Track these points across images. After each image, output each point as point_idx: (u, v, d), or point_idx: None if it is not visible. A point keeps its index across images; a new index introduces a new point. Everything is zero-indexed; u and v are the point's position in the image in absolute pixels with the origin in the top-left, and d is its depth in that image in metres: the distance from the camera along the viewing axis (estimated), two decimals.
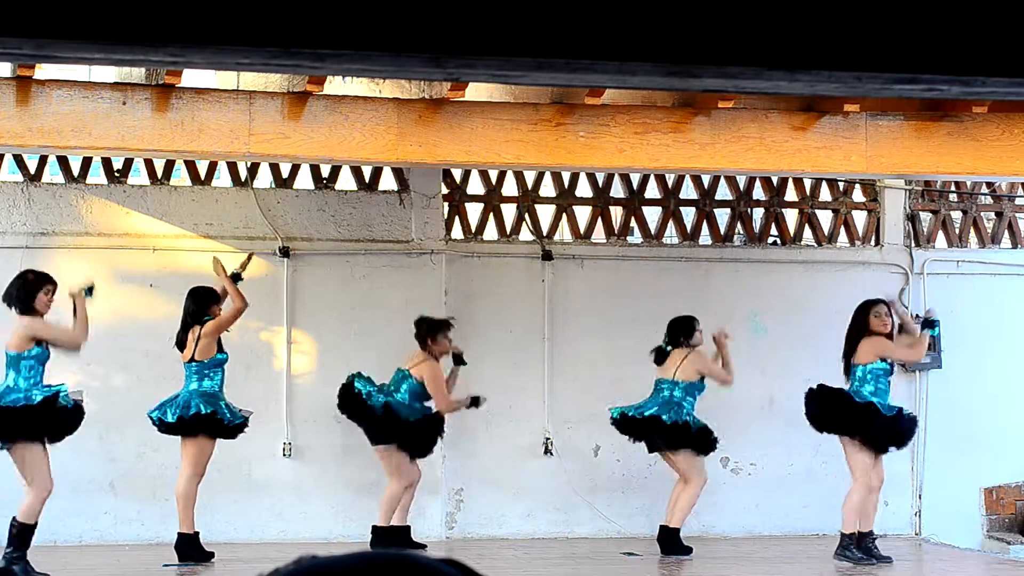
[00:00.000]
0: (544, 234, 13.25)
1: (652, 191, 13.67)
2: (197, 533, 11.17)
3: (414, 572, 1.41)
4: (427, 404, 11.74)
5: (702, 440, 11.83)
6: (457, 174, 13.04)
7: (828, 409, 11.55)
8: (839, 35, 2.95)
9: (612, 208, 13.45)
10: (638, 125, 10.47)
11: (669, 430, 11.77)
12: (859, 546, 11.42)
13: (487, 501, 12.87)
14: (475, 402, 11.88)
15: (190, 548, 11.11)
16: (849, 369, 11.55)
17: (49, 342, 10.35)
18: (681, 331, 11.99)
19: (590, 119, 10.41)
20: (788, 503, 13.22)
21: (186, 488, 11.11)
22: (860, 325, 11.53)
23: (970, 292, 13.73)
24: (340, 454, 12.48)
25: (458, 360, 11.97)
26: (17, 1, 2.74)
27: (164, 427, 11.14)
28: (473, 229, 13.08)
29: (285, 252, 12.58)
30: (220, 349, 11.21)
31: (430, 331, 11.78)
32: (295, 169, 12.72)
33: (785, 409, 12.57)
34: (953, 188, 13.96)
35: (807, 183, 13.70)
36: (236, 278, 11.32)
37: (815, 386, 11.67)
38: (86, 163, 12.41)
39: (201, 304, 11.20)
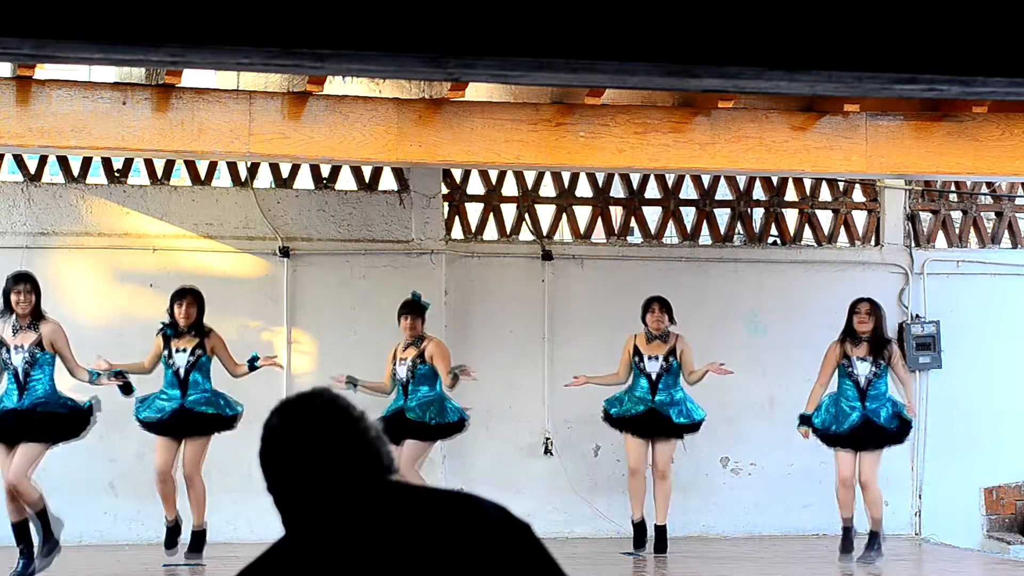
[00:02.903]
0: (544, 234, 13.24)
1: (652, 191, 13.66)
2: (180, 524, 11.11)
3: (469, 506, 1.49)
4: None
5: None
6: (457, 174, 13.03)
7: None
8: (839, 35, 2.95)
9: (612, 208, 13.45)
10: (638, 125, 10.47)
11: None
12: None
13: None
14: (455, 377, 11.40)
15: (198, 540, 11.09)
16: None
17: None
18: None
19: (590, 119, 10.41)
20: (788, 503, 13.22)
21: (201, 483, 11.06)
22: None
23: (970, 292, 13.72)
24: None
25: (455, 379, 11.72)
26: (17, 1, 2.74)
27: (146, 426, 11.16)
28: (473, 229, 13.07)
29: (285, 252, 12.58)
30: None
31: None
32: (295, 169, 12.72)
33: (785, 409, 12.55)
34: (953, 188, 13.95)
35: (807, 183, 13.69)
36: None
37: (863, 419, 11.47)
38: (86, 163, 12.41)
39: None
